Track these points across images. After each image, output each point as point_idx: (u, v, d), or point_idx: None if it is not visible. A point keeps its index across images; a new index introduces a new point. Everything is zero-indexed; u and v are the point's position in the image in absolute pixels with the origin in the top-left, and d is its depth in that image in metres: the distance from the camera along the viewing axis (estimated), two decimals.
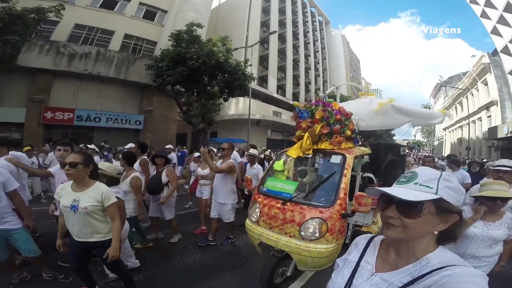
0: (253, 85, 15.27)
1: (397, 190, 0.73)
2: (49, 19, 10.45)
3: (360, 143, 4.00)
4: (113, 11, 14.43)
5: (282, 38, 30.73)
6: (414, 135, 69.35)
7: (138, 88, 14.64)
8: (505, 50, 21.34)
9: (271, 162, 3.90)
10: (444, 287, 0.63)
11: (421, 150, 54.35)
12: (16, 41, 9.12)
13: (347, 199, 2.65)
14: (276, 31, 20.11)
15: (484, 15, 23.73)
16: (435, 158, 10.31)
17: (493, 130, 21.45)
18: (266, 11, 29.40)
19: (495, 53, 24.11)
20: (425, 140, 58.79)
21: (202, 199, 4.59)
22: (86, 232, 2.10)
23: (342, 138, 3.06)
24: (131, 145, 5.71)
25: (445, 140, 43.37)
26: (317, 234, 2.46)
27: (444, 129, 42.59)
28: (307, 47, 36.96)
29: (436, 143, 52.53)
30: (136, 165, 4.02)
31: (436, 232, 0.73)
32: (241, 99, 19.70)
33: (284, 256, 2.66)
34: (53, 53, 11.96)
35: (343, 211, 2.57)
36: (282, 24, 31.19)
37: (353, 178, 3.50)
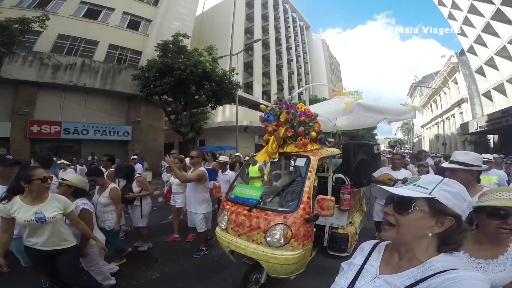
0: (239, 92, 15.62)
1: (393, 188, 0.80)
2: (33, 29, 10.27)
3: (336, 143, 4.15)
4: (97, 20, 14.35)
5: (265, 44, 31.47)
6: (395, 134, 72.17)
7: (124, 99, 14.58)
8: (471, 50, 22.96)
9: (240, 168, 3.86)
10: None
11: (402, 148, 56.65)
12: (2, 53, 8.99)
13: (311, 203, 2.58)
14: (260, 39, 20.65)
15: (451, 16, 25.45)
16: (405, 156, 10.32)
17: (464, 126, 22.95)
18: (249, 18, 30.05)
19: (462, 53, 25.87)
20: (405, 138, 61.32)
21: (176, 208, 4.58)
22: (54, 240, 2.18)
23: (307, 140, 3.01)
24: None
25: (424, 137, 45.54)
26: (282, 241, 2.40)
27: (422, 126, 44.77)
28: (290, 52, 38.01)
29: (415, 140, 54.96)
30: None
31: (430, 234, 0.75)
32: (227, 106, 19.99)
33: (256, 263, 2.58)
34: (37, 64, 11.74)
35: (307, 216, 2.49)
36: (265, 30, 31.98)
37: (325, 180, 3.58)
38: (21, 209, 2.09)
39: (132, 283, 3.11)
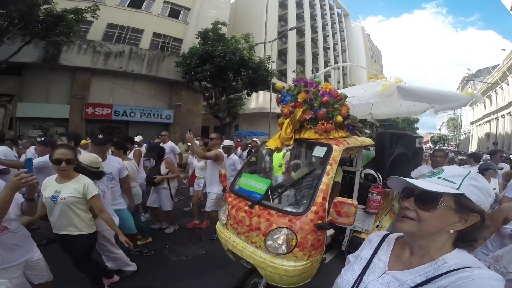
0: (273, 79, 15.61)
1: (417, 181, 0.73)
2: (86, 19, 11.17)
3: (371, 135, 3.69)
4: (141, 10, 15.15)
5: (300, 32, 30.56)
6: (439, 129, 66.60)
7: (167, 84, 15.45)
8: None
9: (249, 155, 3.46)
10: None
11: (446, 145, 52.20)
12: (63, 41, 9.95)
13: (327, 205, 2.06)
14: (295, 27, 20.16)
15: None
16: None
17: None
18: (283, 5, 29.29)
19: None
20: (451, 134, 56.16)
21: (198, 192, 4.49)
22: (61, 223, 2.08)
23: (330, 125, 2.42)
24: (139, 137, 6.10)
25: (472, 135, 41.45)
26: (284, 249, 1.96)
27: (472, 123, 40.71)
28: (326, 40, 36.51)
29: (462, 137, 50.18)
30: (131, 156, 4.15)
31: (451, 231, 0.70)
32: (261, 93, 20.07)
33: (254, 266, 2.17)
34: (90, 52, 12.89)
35: (319, 221, 1.99)
36: (300, 17, 30.99)
37: (353, 175, 3.04)
38: (49, 187, 2.07)
39: (181, 258, 3.38)
